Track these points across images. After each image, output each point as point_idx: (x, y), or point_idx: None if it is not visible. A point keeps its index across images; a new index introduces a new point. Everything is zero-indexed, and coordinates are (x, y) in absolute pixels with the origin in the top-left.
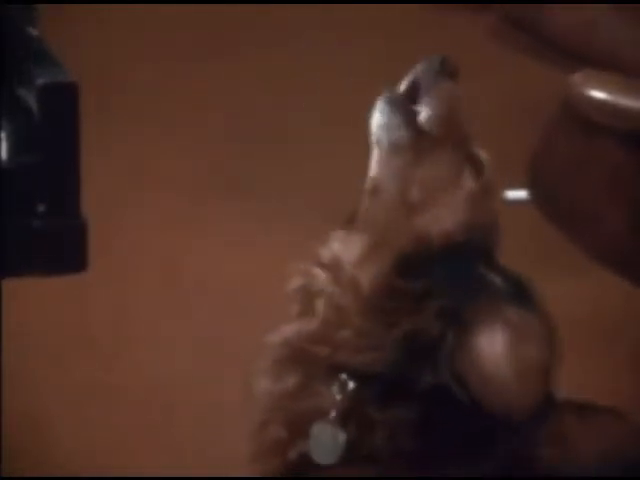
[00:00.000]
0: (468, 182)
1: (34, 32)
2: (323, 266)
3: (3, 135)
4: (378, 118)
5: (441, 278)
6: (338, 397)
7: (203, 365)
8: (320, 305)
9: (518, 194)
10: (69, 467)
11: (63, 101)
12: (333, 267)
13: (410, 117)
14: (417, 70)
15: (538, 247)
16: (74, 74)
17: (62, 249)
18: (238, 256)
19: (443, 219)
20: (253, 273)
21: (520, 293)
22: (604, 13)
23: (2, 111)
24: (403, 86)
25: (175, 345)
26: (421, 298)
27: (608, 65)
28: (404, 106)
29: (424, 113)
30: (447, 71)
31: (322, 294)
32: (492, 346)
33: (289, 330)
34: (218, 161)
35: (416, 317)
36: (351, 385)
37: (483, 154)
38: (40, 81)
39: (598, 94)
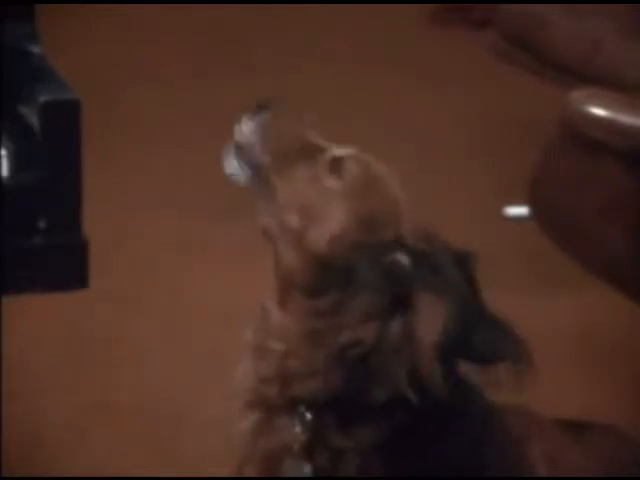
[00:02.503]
0: (334, 184)
1: (36, 49)
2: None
3: (5, 152)
4: (225, 167)
5: (355, 282)
6: (298, 430)
7: (204, 382)
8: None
9: (519, 210)
10: None
11: (65, 118)
12: (263, 315)
13: (250, 157)
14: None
15: (539, 263)
16: (76, 91)
17: (63, 266)
18: (238, 275)
19: (329, 228)
20: (253, 292)
21: (434, 271)
22: (605, 32)
23: (4, 128)
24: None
25: (176, 362)
26: (338, 310)
27: (608, 83)
28: (242, 150)
29: (258, 149)
30: (263, 106)
31: (264, 337)
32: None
33: (241, 374)
34: (218, 180)
35: (344, 330)
36: (309, 416)
37: (343, 151)
38: (42, 98)
39: (598, 111)
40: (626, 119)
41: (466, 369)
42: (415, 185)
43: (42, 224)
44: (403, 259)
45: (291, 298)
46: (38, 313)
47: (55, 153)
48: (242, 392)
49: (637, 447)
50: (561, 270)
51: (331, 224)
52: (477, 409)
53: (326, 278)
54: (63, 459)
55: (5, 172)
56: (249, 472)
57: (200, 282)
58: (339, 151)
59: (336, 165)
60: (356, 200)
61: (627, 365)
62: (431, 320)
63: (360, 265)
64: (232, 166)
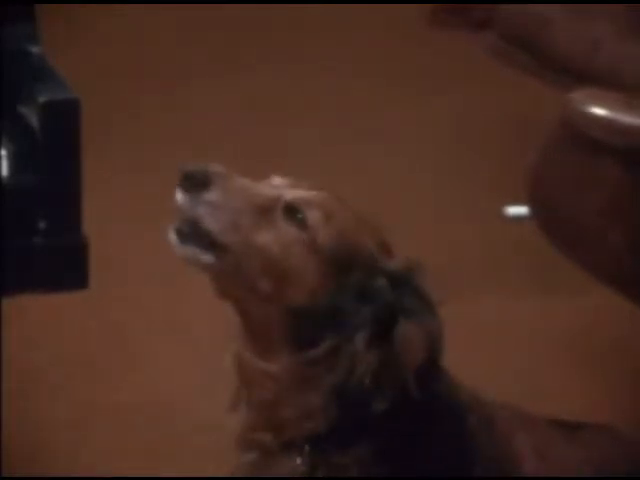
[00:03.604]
0: (297, 235)
1: (35, 49)
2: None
3: (4, 152)
4: (177, 251)
5: (346, 322)
6: (299, 461)
7: (204, 384)
8: (249, 393)
9: (519, 210)
10: None
11: (64, 118)
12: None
13: (203, 236)
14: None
15: (538, 263)
16: (76, 91)
17: (63, 266)
18: None
19: (304, 282)
20: None
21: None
22: (604, 32)
23: (4, 128)
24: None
25: (176, 364)
26: (335, 354)
27: (608, 83)
28: (191, 235)
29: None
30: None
31: (246, 384)
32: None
33: (234, 422)
34: None
35: (341, 368)
36: (307, 448)
37: (295, 197)
38: (41, 98)
39: (598, 111)
40: (626, 119)
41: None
42: (415, 185)
43: (42, 224)
44: (383, 283)
45: (275, 350)
46: (38, 313)
47: (55, 153)
48: (236, 437)
49: (630, 446)
50: (560, 271)
51: (306, 277)
52: (460, 408)
53: (316, 327)
54: (63, 459)
55: (5, 172)
56: None
57: (200, 282)
58: (291, 199)
59: (293, 214)
60: (324, 244)
61: (626, 366)
62: (414, 345)
63: (346, 304)
64: (186, 250)
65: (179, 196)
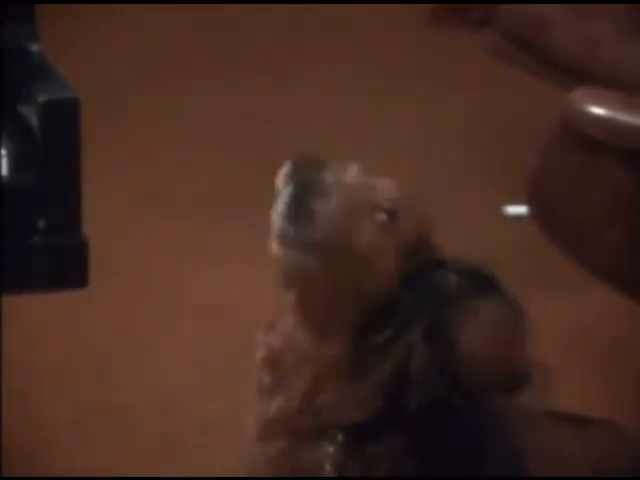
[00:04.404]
0: (383, 220)
1: (35, 48)
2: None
3: (4, 152)
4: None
5: (409, 314)
6: (330, 450)
7: (206, 384)
8: (292, 376)
9: (518, 209)
10: None
11: (64, 117)
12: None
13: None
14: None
15: (538, 263)
16: (76, 90)
17: (63, 265)
18: (241, 276)
19: (382, 268)
20: (256, 293)
21: (479, 286)
22: (605, 32)
23: (3, 128)
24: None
25: (178, 364)
26: (392, 342)
27: (608, 83)
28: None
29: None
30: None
31: (290, 367)
32: (468, 341)
33: (267, 409)
34: (223, 182)
35: (393, 359)
36: (340, 437)
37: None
38: (41, 97)
39: (598, 111)
40: (626, 119)
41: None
42: (414, 184)
43: (41, 224)
44: (449, 277)
45: (334, 334)
46: (38, 313)
47: (54, 152)
48: (260, 424)
49: (634, 443)
50: (561, 270)
51: (386, 266)
52: (486, 405)
53: (380, 315)
54: (63, 459)
55: (4, 171)
56: None
57: (201, 281)
58: (383, 195)
59: (381, 208)
60: (408, 236)
61: (627, 365)
62: (476, 333)
63: (411, 295)
64: (289, 254)
65: (286, 187)
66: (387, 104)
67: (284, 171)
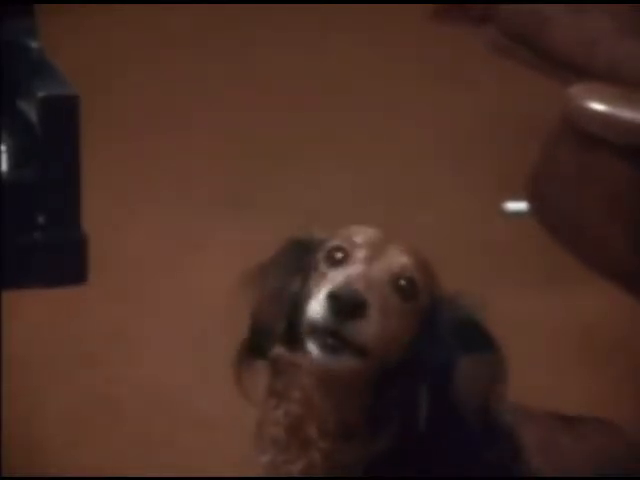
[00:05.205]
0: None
1: (34, 44)
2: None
3: (4, 148)
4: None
5: (416, 369)
6: (338, 455)
7: (203, 379)
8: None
9: (518, 205)
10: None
11: (63, 113)
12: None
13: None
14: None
15: (539, 259)
16: (75, 86)
17: (62, 261)
18: (239, 269)
19: (392, 335)
20: None
21: (472, 342)
22: (604, 28)
23: (3, 124)
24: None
25: (176, 357)
26: (399, 402)
27: (607, 78)
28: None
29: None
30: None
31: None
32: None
33: (289, 469)
34: (219, 175)
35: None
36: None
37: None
38: (40, 94)
39: (597, 106)
40: (625, 114)
41: None
42: (415, 180)
43: (41, 219)
44: (447, 323)
45: (349, 394)
46: (36, 310)
47: (54, 148)
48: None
49: (629, 441)
50: (561, 266)
51: (405, 337)
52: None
53: (392, 375)
54: (63, 459)
55: (4, 167)
56: None
57: (200, 277)
58: (400, 269)
59: (399, 282)
60: (424, 305)
61: (627, 361)
62: (474, 383)
63: (419, 351)
64: (332, 361)
65: (327, 318)
66: (386, 100)
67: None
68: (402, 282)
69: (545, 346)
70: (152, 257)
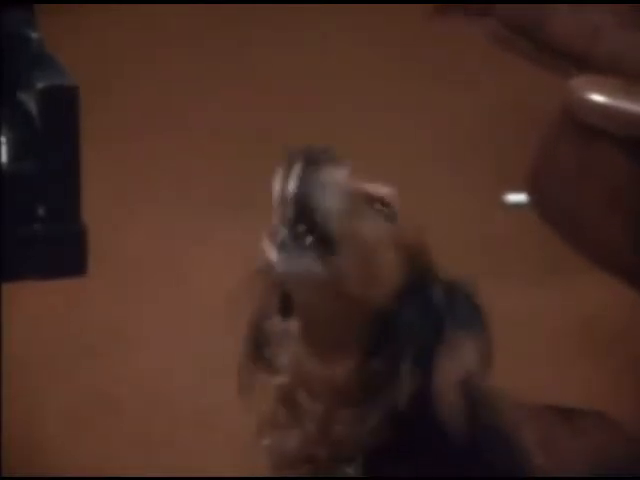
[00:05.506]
0: (386, 230)
1: (34, 35)
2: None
3: (3, 139)
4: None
5: (405, 331)
6: (350, 471)
7: (204, 376)
8: (305, 410)
9: (518, 197)
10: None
11: (63, 105)
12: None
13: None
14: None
15: (539, 252)
16: (75, 78)
17: (62, 253)
18: (239, 266)
19: (384, 282)
20: None
21: (464, 315)
22: (605, 21)
23: (2, 115)
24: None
25: (176, 355)
26: (392, 367)
27: (609, 70)
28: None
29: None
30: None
31: (302, 402)
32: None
33: (283, 442)
34: (219, 175)
35: (397, 384)
36: (359, 464)
37: (387, 192)
38: (40, 85)
39: (598, 98)
40: (626, 106)
41: None
42: (415, 173)
43: (41, 211)
44: (438, 293)
45: (338, 354)
46: (36, 304)
47: (54, 140)
48: (278, 455)
49: (628, 435)
50: (561, 259)
51: (391, 277)
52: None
53: (381, 333)
54: (63, 457)
55: (4, 159)
56: None
57: (200, 272)
58: (384, 193)
59: (383, 207)
60: (408, 241)
61: (627, 354)
62: (461, 356)
63: (407, 312)
64: (292, 263)
65: (286, 185)
66: (385, 96)
67: (283, 168)
68: (380, 207)
69: (545, 338)
70: (152, 257)
